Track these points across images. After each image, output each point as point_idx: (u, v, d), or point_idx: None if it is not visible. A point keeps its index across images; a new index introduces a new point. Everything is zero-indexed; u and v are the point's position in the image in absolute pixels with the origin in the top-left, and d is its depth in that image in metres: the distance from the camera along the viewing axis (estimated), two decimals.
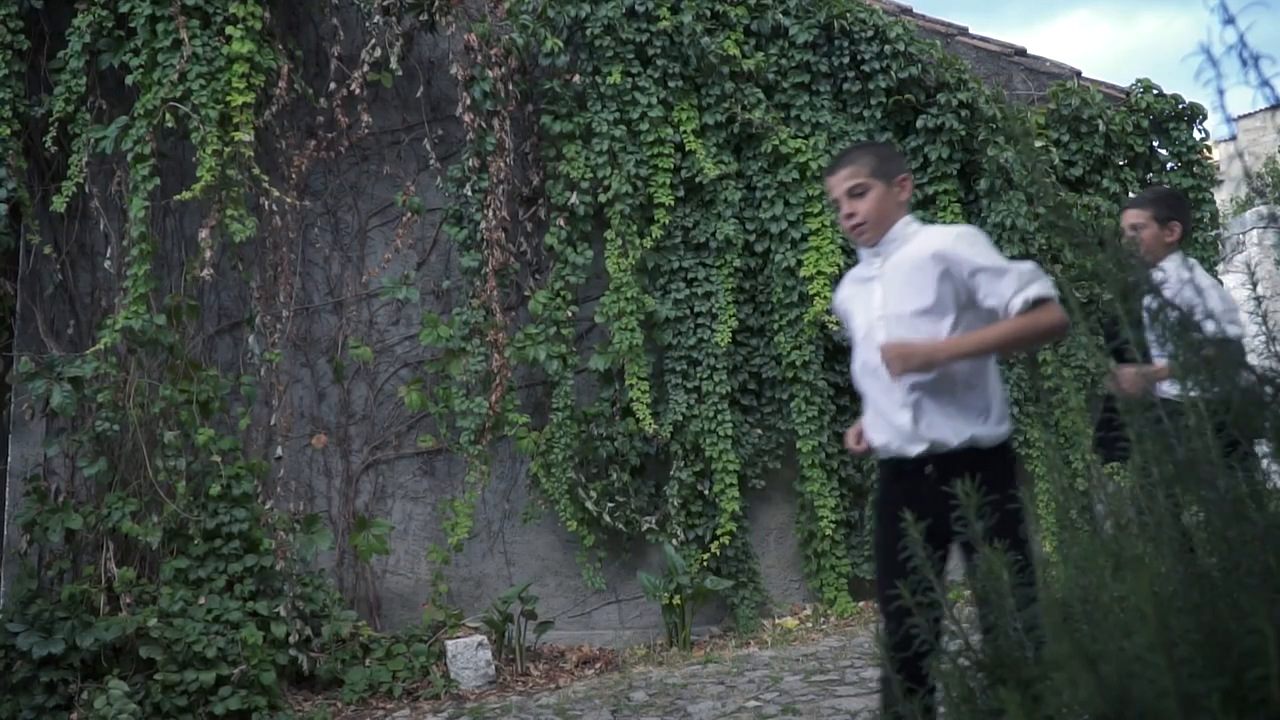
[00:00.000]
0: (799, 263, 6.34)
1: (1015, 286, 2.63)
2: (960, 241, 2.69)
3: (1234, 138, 18.21)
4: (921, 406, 2.70)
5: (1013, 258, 6.89)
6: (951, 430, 2.67)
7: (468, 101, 5.82)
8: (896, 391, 2.72)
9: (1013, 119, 6.98)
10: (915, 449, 2.70)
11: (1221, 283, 4.14)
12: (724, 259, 6.30)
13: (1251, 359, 1.22)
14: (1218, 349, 1.20)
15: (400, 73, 5.80)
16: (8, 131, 5.15)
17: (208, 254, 5.26)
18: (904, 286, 2.72)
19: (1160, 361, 3.69)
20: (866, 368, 2.82)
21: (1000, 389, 2.79)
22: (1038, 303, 2.64)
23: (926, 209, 6.88)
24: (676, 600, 5.83)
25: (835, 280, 6.45)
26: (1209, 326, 3.66)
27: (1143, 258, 3.94)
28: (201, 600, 4.85)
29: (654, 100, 6.18)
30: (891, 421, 2.73)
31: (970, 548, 2.41)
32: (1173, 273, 3.70)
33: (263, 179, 5.39)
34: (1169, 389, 3.69)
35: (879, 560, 2.82)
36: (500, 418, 5.72)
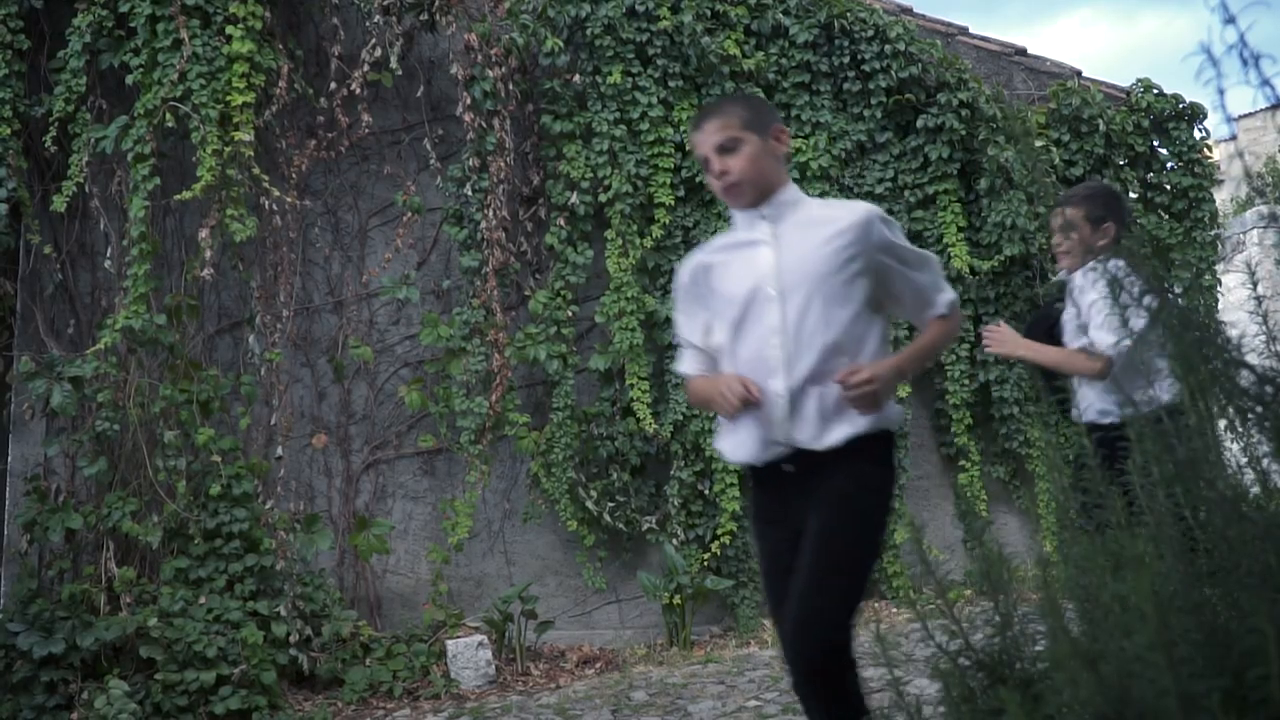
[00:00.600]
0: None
1: (937, 284, 2.43)
2: (877, 217, 2.38)
3: (1234, 137, 18.21)
4: (806, 399, 2.34)
5: (1010, 258, 7.00)
6: (833, 428, 2.33)
7: (468, 101, 5.82)
8: (779, 381, 2.33)
9: (1013, 118, 6.98)
10: (782, 449, 2.36)
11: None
12: None
13: (1252, 358, 1.22)
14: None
15: (400, 72, 5.80)
16: (8, 131, 5.15)
17: (208, 254, 5.26)
18: (813, 254, 2.34)
19: (1071, 345, 3.64)
20: (744, 342, 2.39)
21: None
22: (954, 306, 2.48)
23: (927, 209, 6.88)
24: (677, 600, 5.83)
25: None
26: (1095, 336, 3.61)
27: (1070, 258, 3.80)
28: (202, 600, 4.85)
29: (654, 100, 6.18)
30: (769, 417, 2.36)
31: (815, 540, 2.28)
32: (1087, 283, 3.51)
33: (263, 179, 5.39)
34: (1100, 413, 3.62)
35: (765, 582, 2.54)
36: (500, 417, 5.72)
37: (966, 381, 6.86)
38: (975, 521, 1.46)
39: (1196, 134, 7.55)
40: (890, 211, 6.80)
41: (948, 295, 2.45)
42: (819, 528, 2.29)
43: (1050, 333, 3.66)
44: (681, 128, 6.25)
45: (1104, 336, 3.32)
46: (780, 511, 2.40)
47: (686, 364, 2.55)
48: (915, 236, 6.83)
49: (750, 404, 2.29)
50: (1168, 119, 7.50)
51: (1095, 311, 3.35)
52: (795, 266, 2.34)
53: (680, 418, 6.08)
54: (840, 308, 2.31)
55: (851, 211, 2.38)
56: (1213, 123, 7.74)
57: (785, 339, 2.32)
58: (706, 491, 6.17)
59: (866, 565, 2.34)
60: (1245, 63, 1.14)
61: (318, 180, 5.94)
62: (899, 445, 2.51)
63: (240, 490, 5.09)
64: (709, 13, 6.42)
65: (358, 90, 5.71)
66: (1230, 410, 1.20)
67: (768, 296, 2.35)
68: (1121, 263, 3.41)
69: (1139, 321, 1.61)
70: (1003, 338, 3.57)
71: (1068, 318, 3.59)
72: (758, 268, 2.38)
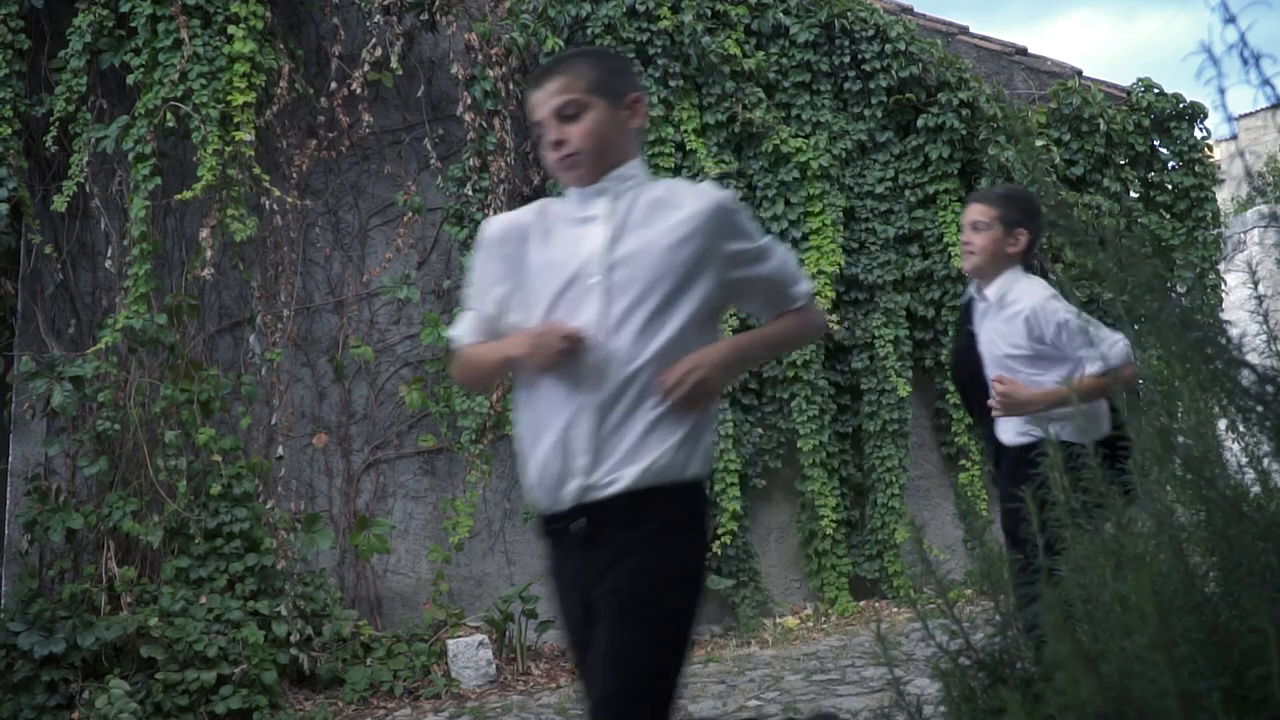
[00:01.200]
0: (800, 262, 6.33)
1: (791, 275, 2.09)
2: (728, 205, 2.01)
3: (1235, 137, 18.20)
4: (608, 428, 1.90)
5: None
6: (629, 466, 1.89)
7: (468, 101, 5.82)
8: (583, 404, 1.90)
9: (1013, 118, 6.98)
10: (578, 495, 1.93)
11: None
12: None
13: (1253, 358, 1.22)
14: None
15: (401, 72, 5.80)
16: (8, 131, 5.16)
17: (208, 253, 5.27)
18: (653, 242, 1.96)
19: (1048, 384, 3.30)
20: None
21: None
22: (809, 298, 2.16)
23: (927, 208, 6.88)
24: None
25: (836, 279, 6.45)
26: (1093, 361, 3.32)
27: (976, 259, 3.38)
28: (202, 599, 4.85)
29: (655, 99, 6.18)
30: (567, 449, 1.91)
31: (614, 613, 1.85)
32: (1026, 300, 3.25)
33: (263, 178, 5.39)
34: (1064, 430, 3.30)
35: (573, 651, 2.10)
36: (501, 417, 5.72)
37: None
38: (975, 521, 1.46)
39: (1197, 133, 7.54)
40: (890, 211, 6.80)
41: (803, 286, 2.12)
42: (607, 619, 1.88)
43: (973, 361, 3.44)
44: (682, 127, 6.26)
45: (1108, 343, 3.12)
46: (572, 576, 2.01)
47: (465, 330, 2.09)
48: (916, 236, 6.84)
49: (573, 351, 1.89)
50: (1168, 118, 7.50)
51: (1070, 331, 3.17)
52: (629, 254, 1.95)
53: None
54: (675, 309, 1.93)
55: (699, 197, 1.99)
56: (1213, 122, 7.74)
57: (603, 339, 1.90)
58: (706, 491, 6.17)
59: (668, 667, 1.89)
60: (1246, 62, 1.14)
61: (318, 180, 5.94)
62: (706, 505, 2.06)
63: (241, 490, 5.09)
64: (709, 12, 6.42)
65: (358, 90, 5.71)
66: (1231, 410, 1.20)
67: (589, 285, 1.94)
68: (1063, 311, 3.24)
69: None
70: (1015, 394, 3.21)
71: (989, 339, 3.35)
72: (584, 248, 1.97)
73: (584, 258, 1.96)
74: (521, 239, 2.06)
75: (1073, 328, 3.18)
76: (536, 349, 1.90)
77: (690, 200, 1.99)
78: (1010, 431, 3.32)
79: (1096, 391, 3.10)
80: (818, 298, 6.21)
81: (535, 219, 2.09)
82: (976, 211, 3.38)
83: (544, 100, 2.04)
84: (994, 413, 3.28)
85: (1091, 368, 3.16)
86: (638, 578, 1.87)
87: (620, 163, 2.04)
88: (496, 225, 2.12)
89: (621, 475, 1.88)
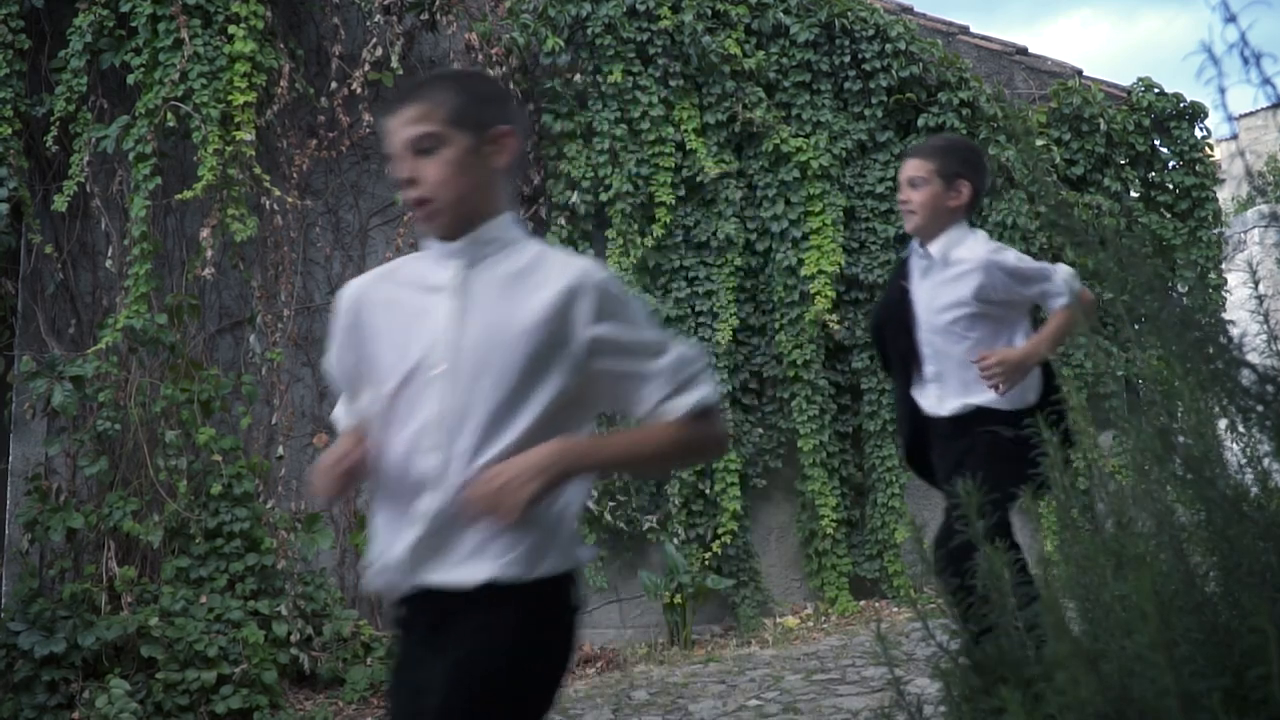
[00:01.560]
0: (800, 262, 6.34)
1: (681, 376, 1.70)
2: (593, 285, 1.69)
3: (1235, 136, 18.20)
4: (441, 538, 1.67)
5: None
6: (465, 569, 1.66)
7: None
8: (430, 498, 1.67)
9: (1014, 118, 6.98)
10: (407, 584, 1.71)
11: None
12: (725, 258, 6.30)
13: (1253, 357, 1.22)
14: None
15: (401, 72, 5.80)
16: (9, 131, 5.16)
17: (209, 253, 5.27)
18: (506, 324, 1.68)
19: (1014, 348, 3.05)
20: (396, 430, 1.71)
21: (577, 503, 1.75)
22: (706, 412, 1.71)
23: None
24: (678, 599, 5.83)
25: (837, 279, 6.44)
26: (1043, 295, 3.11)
27: (917, 218, 3.15)
28: (203, 599, 4.85)
29: (655, 99, 6.18)
30: (398, 558, 1.69)
31: None
32: (972, 256, 3.05)
33: (264, 178, 5.39)
34: (985, 398, 3.02)
35: None
36: None
37: None
38: (976, 520, 1.45)
39: (1198, 133, 7.54)
40: (891, 211, 6.79)
41: (696, 395, 1.70)
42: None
43: (903, 320, 3.20)
44: (683, 127, 6.26)
45: (1059, 278, 3.00)
46: (409, 667, 1.74)
47: (340, 413, 1.89)
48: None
49: (355, 478, 1.73)
50: (1169, 118, 7.49)
51: (1025, 274, 3.03)
52: (479, 338, 1.69)
53: None
54: (525, 404, 1.67)
55: (565, 271, 1.70)
56: (1214, 122, 7.73)
57: (445, 440, 1.66)
58: (707, 491, 6.17)
59: None
60: (1246, 61, 1.14)
61: (319, 180, 5.94)
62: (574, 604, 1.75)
63: (241, 490, 5.09)
64: (710, 12, 6.42)
65: (359, 90, 5.71)
66: (1231, 410, 1.20)
67: (430, 377, 1.69)
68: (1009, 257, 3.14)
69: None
70: (1007, 361, 2.97)
71: (928, 297, 3.14)
72: (427, 327, 1.72)
73: (428, 341, 1.71)
74: (368, 311, 1.81)
75: (1026, 268, 3.06)
76: (316, 487, 1.74)
77: (555, 274, 1.70)
78: (941, 400, 3.10)
79: (1071, 325, 3.01)
80: (818, 298, 6.20)
81: (383, 284, 1.85)
82: (912, 167, 3.14)
83: (398, 129, 1.75)
84: (997, 389, 2.97)
85: (1057, 302, 3.03)
86: (457, 680, 1.63)
87: (487, 215, 1.76)
88: (346, 291, 1.88)
89: (453, 577, 1.65)
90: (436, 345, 1.70)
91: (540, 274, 1.71)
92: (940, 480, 3.18)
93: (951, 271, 3.09)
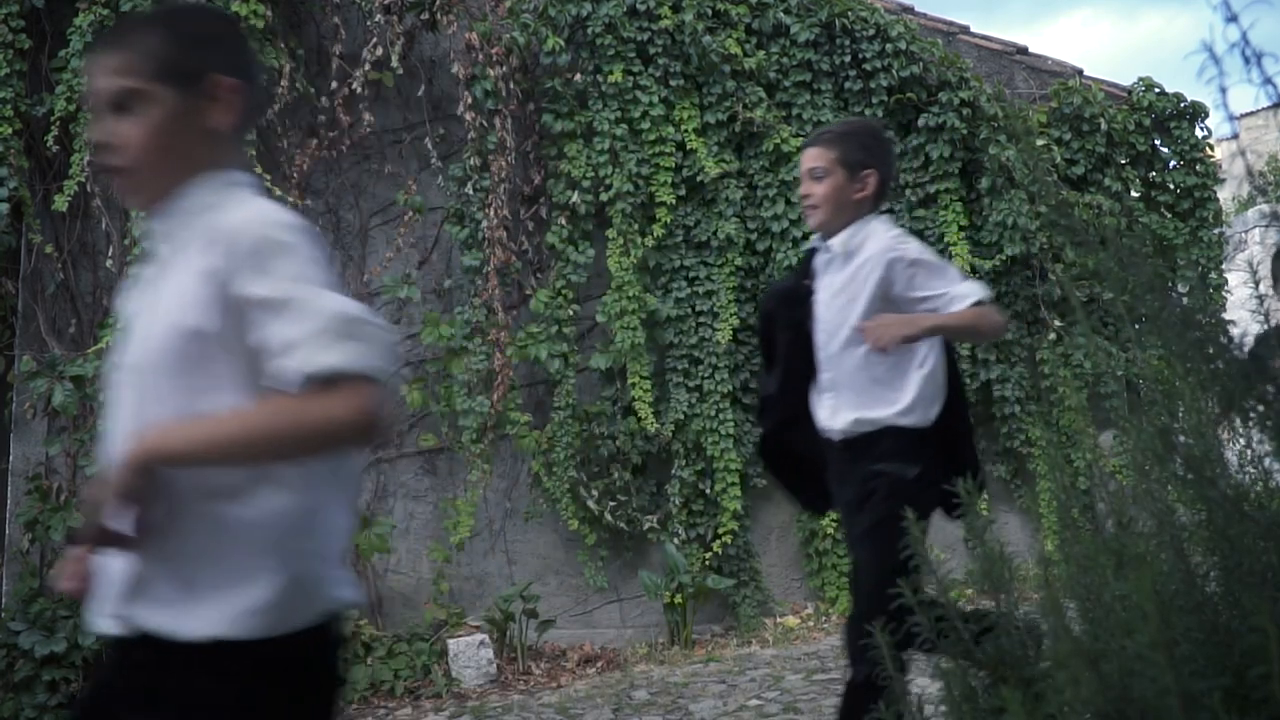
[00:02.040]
0: (800, 261, 6.33)
1: (312, 341, 1.30)
2: (263, 227, 1.40)
3: (1236, 136, 18.18)
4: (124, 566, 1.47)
5: (1011, 257, 7.00)
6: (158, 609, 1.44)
7: (469, 100, 5.82)
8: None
9: (1014, 117, 6.98)
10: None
11: None
12: (725, 258, 6.30)
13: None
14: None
15: (401, 72, 5.80)
16: (9, 130, 5.16)
17: None
18: (165, 304, 1.42)
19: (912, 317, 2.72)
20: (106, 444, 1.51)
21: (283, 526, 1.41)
22: (336, 379, 1.28)
23: (928, 208, 6.88)
24: (678, 599, 5.84)
25: None
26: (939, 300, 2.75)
27: (821, 213, 2.84)
28: None
29: (655, 99, 6.18)
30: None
31: None
32: (875, 248, 2.79)
33: (264, 178, 5.39)
34: (881, 412, 2.75)
35: None
36: (502, 416, 5.72)
37: (968, 380, 6.85)
38: (976, 520, 1.46)
39: (1198, 133, 7.54)
40: (891, 211, 6.78)
41: (321, 361, 1.28)
42: None
43: (796, 319, 2.96)
44: (683, 127, 6.26)
45: (968, 287, 2.74)
46: None
47: None
48: (916, 235, 6.82)
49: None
50: (1169, 118, 7.49)
51: (928, 269, 2.75)
52: (149, 323, 1.43)
53: (681, 417, 6.08)
54: (203, 396, 1.36)
55: (234, 226, 1.39)
56: (1214, 121, 7.72)
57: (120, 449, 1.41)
58: (708, 490, 6.17)
59: None
60: (1247, 61, 1.14)
61: (319, 179, 5.94)
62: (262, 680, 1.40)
63: None
64: (710, 11, 6.42)
65: (359, 89, 5.71)
66: (1231, 409, 1.20)
67: (116, 376, 1.47)
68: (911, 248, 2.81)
69: None
70: (885, 327, 2.65)
71: (830, 293, 2.88)
72: (130, 316, 1.50)
73: (124, 333, 1.46)
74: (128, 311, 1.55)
75: (930, 261, 2.79)
76: None
77: (222, 229, 1.38)
78: (835, 412, 2.83)
79: (976, 322, 2.71)
80: None
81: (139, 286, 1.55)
82: (812, 156, 2.87)
83: (95, 79, 1.47)
84: (884, 351, 2.66)
85: (961, 305, 2.69)
86: None
87: (181, 181, 1.46)
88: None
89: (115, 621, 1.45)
90: (130, 337, 1.50)
91: (214, 228, 1.43)
92: (837, 507, 3.01)
93: (854, 263, 2.83)
